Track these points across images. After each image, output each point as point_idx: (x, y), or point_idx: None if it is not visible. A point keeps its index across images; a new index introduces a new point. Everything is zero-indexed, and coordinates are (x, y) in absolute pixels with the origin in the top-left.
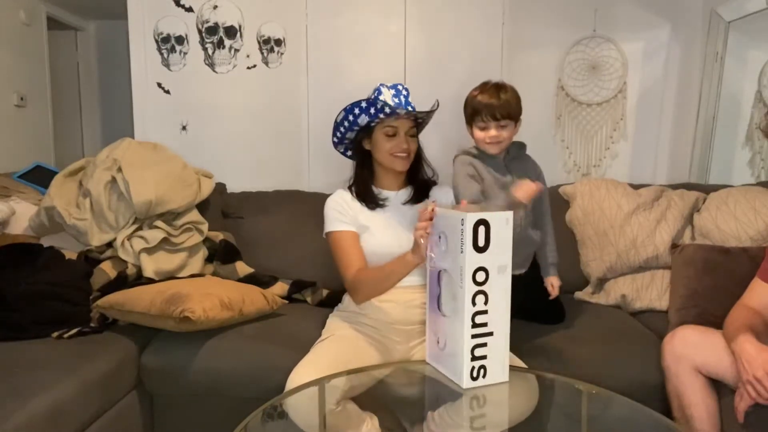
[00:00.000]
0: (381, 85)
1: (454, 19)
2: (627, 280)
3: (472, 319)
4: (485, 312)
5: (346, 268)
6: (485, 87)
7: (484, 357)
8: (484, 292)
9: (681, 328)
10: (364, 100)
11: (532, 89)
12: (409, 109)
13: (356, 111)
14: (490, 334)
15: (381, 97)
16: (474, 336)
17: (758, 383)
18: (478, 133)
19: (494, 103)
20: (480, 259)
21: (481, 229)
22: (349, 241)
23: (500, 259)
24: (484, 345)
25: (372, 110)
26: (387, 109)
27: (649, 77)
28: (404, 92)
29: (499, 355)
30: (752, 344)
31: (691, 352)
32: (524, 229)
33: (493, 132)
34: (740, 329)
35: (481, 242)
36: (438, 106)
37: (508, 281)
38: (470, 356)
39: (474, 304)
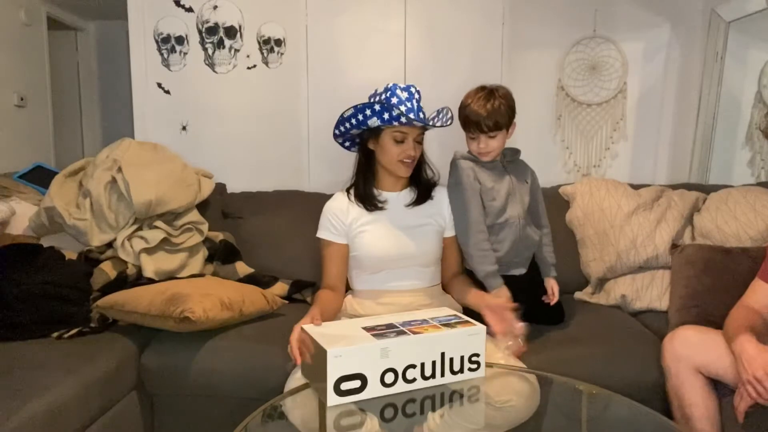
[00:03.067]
0: (395, 85)
1: (454, 19)
2: (627, 281)
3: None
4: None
5: (322, 279)
6: (476, 96)
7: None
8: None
9: (681, 328)
10: (377, 102)
11: (532, 89)
12: (423, 117)
13: (368, 112)
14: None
15: (393, 100)
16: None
17: (758, 383)
18: (470, 143)
19: (482, 115)
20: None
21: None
22: (332, 253)
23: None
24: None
25: (386, 116)
26: (403, 119)
27: (649, 77)
28: (417, 95)
29: None
30: (752, 344)
31: (691, 352)
32: (523, 228)
33: (482, 144)
34: (740, 329)
35: (347, 387)
36: (452, 120)
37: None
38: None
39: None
